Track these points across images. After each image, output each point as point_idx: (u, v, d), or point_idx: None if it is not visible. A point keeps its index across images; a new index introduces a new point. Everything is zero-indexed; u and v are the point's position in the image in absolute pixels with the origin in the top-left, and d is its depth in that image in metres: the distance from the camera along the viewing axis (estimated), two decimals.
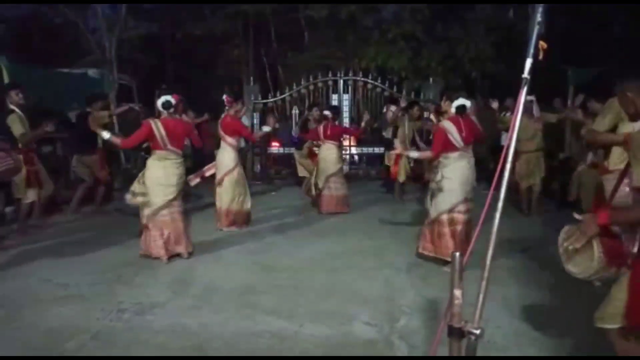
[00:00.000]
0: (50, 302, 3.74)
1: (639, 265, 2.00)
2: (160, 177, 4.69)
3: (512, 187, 6.83)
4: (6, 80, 6.56)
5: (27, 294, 3.91)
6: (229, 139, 5.94)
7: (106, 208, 7.25)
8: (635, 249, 2.03)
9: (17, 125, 5.50)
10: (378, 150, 10.76)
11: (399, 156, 7.73)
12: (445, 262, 4.28)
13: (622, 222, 2.01)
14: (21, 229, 5.82)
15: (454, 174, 4.35)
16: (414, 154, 5.18)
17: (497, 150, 7.99)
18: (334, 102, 10.83)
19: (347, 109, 10.98)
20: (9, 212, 6.32)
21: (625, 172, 2.29)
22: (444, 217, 4.37)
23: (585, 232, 2.00)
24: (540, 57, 1.49)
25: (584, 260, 2.11)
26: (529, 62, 1.48)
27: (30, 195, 5.70)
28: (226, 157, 5.98)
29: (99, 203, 7.11)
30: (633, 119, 2.23)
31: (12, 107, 5.61)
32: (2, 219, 6.04)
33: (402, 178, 7.81)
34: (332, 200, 6.97)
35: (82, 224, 6.46)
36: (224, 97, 6.11)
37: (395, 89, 10.92)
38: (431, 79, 11.21)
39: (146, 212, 4.73)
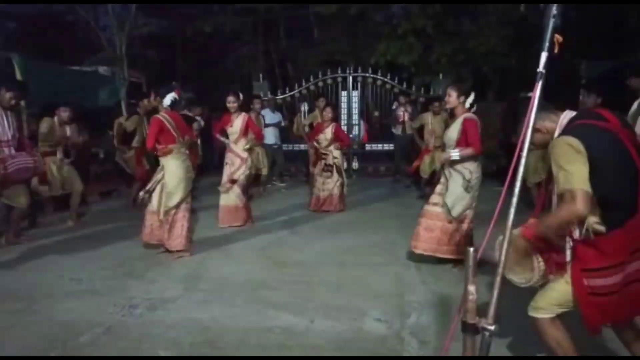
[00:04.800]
0: (64, 296, 3.79)
1: (576, 274, 2.00)
2: (181, 172, 4.70)
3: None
4: (18, 76, 6.63)
5: (42, 288, 3.97)
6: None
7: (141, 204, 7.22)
8: (568, 259, 2.05)
9: (42, 127, 5.86)
10: (387, 147, 10.75)
11: (423, 152, 7.74)
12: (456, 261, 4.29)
13: (547, 232, 2.00)
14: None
15: (479, 171, 4.21)
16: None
17: (508, 146, 7.91)
18: (344, 99, 10.82)
19: (356, 106, 10.95)
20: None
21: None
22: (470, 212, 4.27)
23: (517, 250, 2.03)
24: (556, 50, 1.47)
25: (523, 270, 2.16)
26: (544, 56, 1.46)
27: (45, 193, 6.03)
28: None
29: (132, 199, 7.12)
30: None
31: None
32: (23, 215, 6.13)
33: (425, 174, 7.75)
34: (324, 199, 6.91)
35: (95, 219, 6.53)
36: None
37: (405, 85, 10.87)
38: (441, 75, 11.14)
39: (170, 208, 4.67)
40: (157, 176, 4.72)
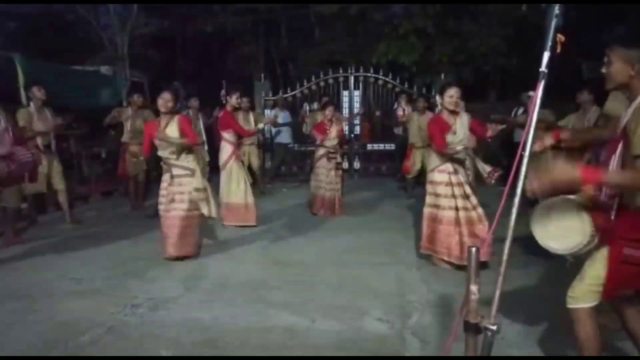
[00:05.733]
0: (65, 295, 3.79)
1: (617, 241, 1.99)
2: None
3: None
4: (20, 76, 6.64)
5: (43, 287, 3.97)
6: (224, 134, 5.99)
7: (143, 204, 7.24)
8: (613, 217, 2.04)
9: (20, 120, 5.62)
10: (389, 146, 10.74)
11: (410, 151, 7.77)
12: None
13: (615, 184, 1.95)
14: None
15: None
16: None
17: (509, 146, 7.90)
18: (345, 99, 10.81)
19: (358, 106, 10.94)
20: (25, 208, 6.40)
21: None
22: None
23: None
24: (558, 50, 1.47)
25: (568, 236, 2.07)
26: (546, 56, 1.46)
27: (30, 189, 5.85)
28: (222, 152, 6.06)
29: (135, 198, 7.25)
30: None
31: (31, 103, 5.84)
32: (18, 215, 6.13)
33: (414, 174, 7.79)
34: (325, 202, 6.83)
35: (96, 219, 6.54)
36: (222, 92, 6.16)
37: (406, 84, 10.86)
38: (442, 75, 11.13)
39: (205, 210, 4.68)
40: (205, 182, 4.71)
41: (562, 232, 2.09)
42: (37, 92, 5.79)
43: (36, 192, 6.04)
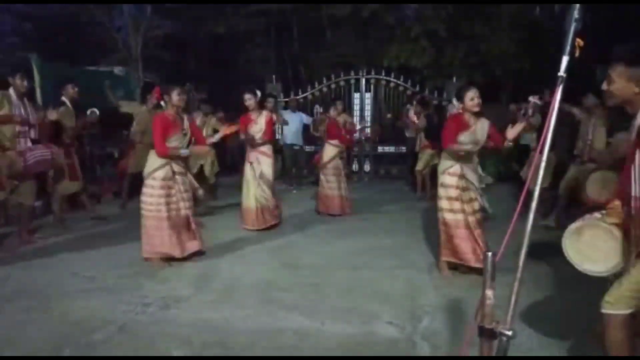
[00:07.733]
0: (77, 294, 3.83)
1: None
2: None
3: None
4: (36, 77, 6.73)
5: (55, 285, 4.01)
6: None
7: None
8: None
9: (68, 119, 5.79)
10: (400, 149, 10.71)
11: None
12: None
13: None
14: (57, 219, 6.08)
15: None
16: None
17: (521, 149, 7.84)
18: (356, 101, 10.81)
19: (369, 108, 10.92)
20: (38, 207, 6.48)
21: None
22: None
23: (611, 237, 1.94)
24: (577, 54, 1.46)
25: (607, 258, 2.03)
26: (565, 60, 1.45)
27: (70, 188, 6.00)
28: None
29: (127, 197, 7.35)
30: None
31: (64, 99, 5.94)
32: (32, 213, 6.20)
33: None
34: (328, 201, 6.84)
35: (109, 218, 6.59)
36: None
37: (418, 87, 10.83)
38: (454, 78, 11.08)
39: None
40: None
41: (599, 255, 2.05)
42: (71, 90, 5.89)
43: (70, 192, 6.16)
